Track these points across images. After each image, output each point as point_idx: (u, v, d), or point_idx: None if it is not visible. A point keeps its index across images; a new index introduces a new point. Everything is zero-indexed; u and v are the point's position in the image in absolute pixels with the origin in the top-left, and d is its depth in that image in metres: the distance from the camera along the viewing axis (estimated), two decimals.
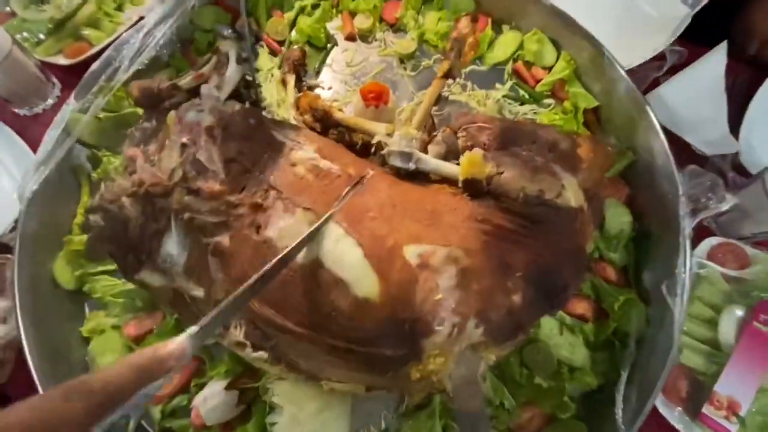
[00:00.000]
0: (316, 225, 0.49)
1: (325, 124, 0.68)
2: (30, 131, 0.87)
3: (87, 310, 0.73)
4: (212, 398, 0.61)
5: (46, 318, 0.68)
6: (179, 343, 0.36)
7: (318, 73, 0.88)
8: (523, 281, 0.51)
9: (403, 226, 0.50)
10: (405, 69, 0.88)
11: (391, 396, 0.66)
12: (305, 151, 0.56)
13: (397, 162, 0.57)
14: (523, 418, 0.63)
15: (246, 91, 0.69)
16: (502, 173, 0.53)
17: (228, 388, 0.62)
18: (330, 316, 0.48)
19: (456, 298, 0.49)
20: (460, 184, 0.55)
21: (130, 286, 0.72)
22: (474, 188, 0.54)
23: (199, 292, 0.54)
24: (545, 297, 0.53)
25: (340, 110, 0.71)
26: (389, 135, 0.59)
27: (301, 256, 0.48)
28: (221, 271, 0.52)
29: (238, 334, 0.52)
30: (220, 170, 0.52)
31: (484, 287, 0.50)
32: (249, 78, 0.69)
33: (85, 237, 0.73)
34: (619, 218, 0.74)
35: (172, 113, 0.57)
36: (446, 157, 0.59)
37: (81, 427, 0.30)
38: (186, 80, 0.64)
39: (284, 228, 0.50)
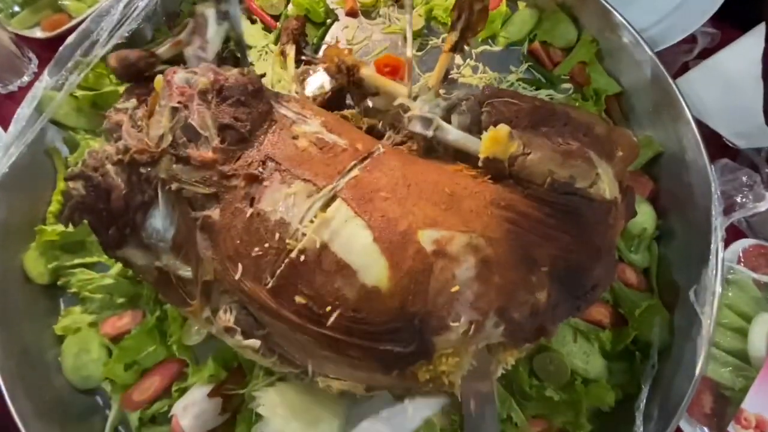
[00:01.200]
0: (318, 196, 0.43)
1: (348, 78, 0.61)
2: (4, 110, 0.81)
3: (62, 305, 0.68)
4: (193, 406, 0.56)
5: (15, 314, 0.62)
6: None
7: (317, 51, 0.80)
8: (548, 278, 0.46)
9: (419, 209, 0.45)
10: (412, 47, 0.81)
11: (388, 404, 0.61)
12: (309, 125, 0.50)
13: (417, 128, 0.51)
14: None
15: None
16: (528, 154, 0.47)
17: (211, 395, 0.57)
18: (333, 305, 0.43)
19: (475, 291, 0.43)
20: (480, 163, 0.49)
21: (109, 280, 0.66)
22: (495, 169, 0.48)
23: (186, 272, 0.50)
24: (571, 297, 0.48)
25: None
26: (413, 98, 0.52)
27: (304, 236, 0.43)
28: (210, 249, 0.47)
29: (227, 318, 0.47)
30: (213, 137, 0.47)
31: (507, 281, 0.44)
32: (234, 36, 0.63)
33: (60, 227, 0.67)
34: (641, 216, 0.67)
35: (160, 76, 0.51)
36: (470, 129, 0.52)
37: None
38: (164, 48, 0.58)
39: (279, 200, 0.45)
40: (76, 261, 0.67)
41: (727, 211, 0.63)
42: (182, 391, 0.60)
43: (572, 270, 0.47)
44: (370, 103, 0.66)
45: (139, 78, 0.60)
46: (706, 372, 0.58)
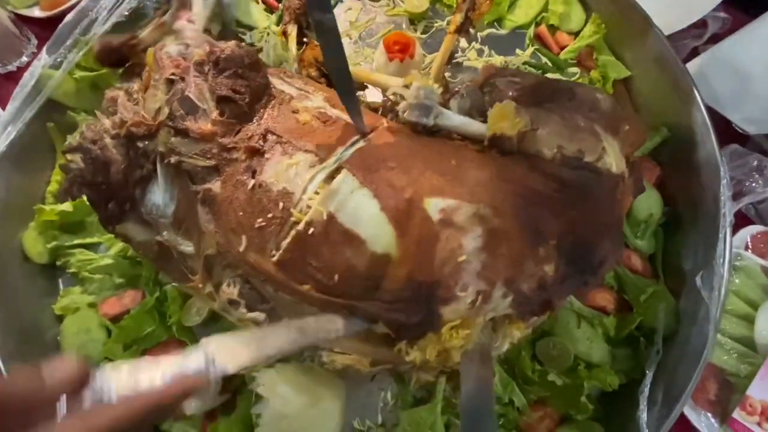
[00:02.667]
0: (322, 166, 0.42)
1: (330, 80, 0.61)
2: (3, 90, 0.80)
3: (61, 286, 0.67)
4: None
5: (15, 294, 0.62)
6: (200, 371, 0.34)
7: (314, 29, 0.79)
8: (556, 251, 0.45)
9: (425, 178, 0.44)
10: (416, 31, 0.80)
11: (389, 387, 0.61)
12: (312, 100, 0.50)
13: (414, 116, 0.50)
14: (533, 418, 0.58)
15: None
16: (536, 129, 0.46)
17: None
18: (343, 276, 0.42)
19: (482, 261, 0.43)
20: (486, 141, 0.48)
21: (109, 260, 0.66)
22: (503, 146, 0.47)
23: (188, 247, 0.49)
24: (578, 272, 0.47)
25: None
26: (406, 87, 0.51)
27: (311, 209, 0.43)
28: (212, 222, 0.46)
29: (231, 291, 0.47)
30: (212, 109, 0.46)
31: (515, 252, 0.43)
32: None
33: (59, 207, 0.66)
34: (647, 201, 0.67)
35: (151, 49, 0.50)
36: (470, 113, 0.51)
37: None
38: (147, 32, 0.56)
39: (281, 170, 0.44)
40: (76, 241, 0.67)
41: (736, 196, 0.62)
42: None
43: (580, 245, 0.46)
44: (364, 98, 0.65)
45: (122, 64, 0.59)
46: (711, 358, 0.58)
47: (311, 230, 0.42)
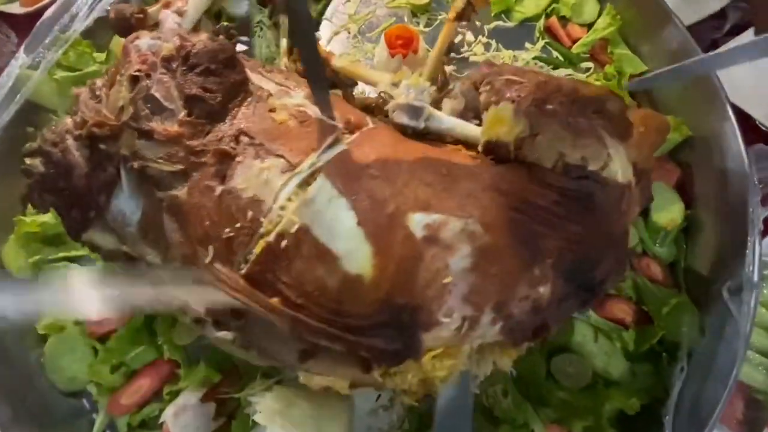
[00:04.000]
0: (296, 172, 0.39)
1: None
2: None
3: None
4: (185, 411, 0.52)
5: None
6: None
7: (317, 26, 0.75)
8: (552, 270, 0.41)
9: (410, 190, 0.40)
10: (418, 24, 0.75)
11: (395, 407, 0.58)
12: (292, 97, 0.46)
13: (403, 118, 0.46)
14: None
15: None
16: (536, 135, 0.42)
17: (204, 399, 0.53)
18: (312, 295, 0.39)
19: (470, 283, 0.39)
20: (480, 148, 0.44)
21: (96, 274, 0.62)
22: (498, 152, 0.43)
23: (155, 258, 0.45)
24: (578, 291, 0.43)
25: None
26: (395, 85, 0.47)
27: (283, 218, 0.39)
28: (178, 231, 0.42)
29: (198, 309, 0.43)
30: (179, 109, 0.42)
31: (506, 273, 0.40)
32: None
33: (41, 217, 0.62)
34: (667, 205, 0.63)
35: (119, 40, 0.46)
36: (464, 115, 0.48)
37: None
38: (155, 8, 0.53)
39: (252, 176, 0.40)
40: (59, 254, 0.63)
41: (764, 201, 0.58)
42: (174, 395, 0.56)
43: (580, 262, 0.43)
44: (355, 93, 0.61)
45: (128, 33, 0.55)
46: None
47: (283, 242, 0.38)
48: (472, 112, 0.48)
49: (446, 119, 0.47)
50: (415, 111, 0.47)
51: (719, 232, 0.59)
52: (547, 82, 0.47)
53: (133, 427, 0.56)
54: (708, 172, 0.62)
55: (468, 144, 0.47)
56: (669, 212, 0.62)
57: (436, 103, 0.50)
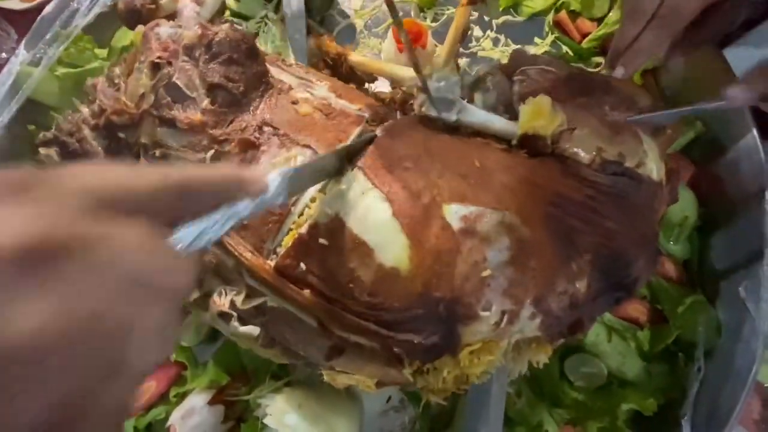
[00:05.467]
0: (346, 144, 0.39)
1: (336, 71, 0.56)
2: None
3: None
4: (193, 414, 0.51)
5: None
6: (264, 176, 0.27)
7: (322, 21, 0.73)
8: (590, 266, 0.41)
9: (444, 181, 0.39)
10: (425, 19, 0.74)
11: (407, 410, 0.57)
12: (315, 90, 0.45)
13: (434, 111, 0.45)
14: None
15: None
16: (574, 129, 0.41)
17: (212, 401, 0.52)
18: (347, 287, 0.38)
19: (509, 276, 0.38)
20: (515, 141, 0.43)
21: None
22: (534, 146, 0.42)
23: None
24: (612, 289, 0.43)
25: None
26: (426, 77, 0.46)
27: (315, 209, 0.39)
28: None
29: (222, 302, 0.42)
30: (201, 97, 0.42)
31: (545, 267, 0.39)
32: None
33: None
34: (682, 203, 0.61)
35: (140, 28, 0.45)
36: (496, 108, 0.47)
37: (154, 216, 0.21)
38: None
39: (278, 165, 0.40)
40: None
41: None
42: (181, 397, 0.55)
43: (615, 259, 0.42)
44: (373, 89, 0.60)
45: (137, 24, 0.56)
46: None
47: (315, 233, 0.38)
48: (503, 104, 0.47)
49: (479, 113, 0.46)
50: (448, 104, 0.45)
51: (735, 229, 0.58)
52: (580, 74, 0.46)
53: (139, 431, 0.55)
54: (723, 168, 0.60)
55: (497, 137, 0.46)
56: (683, 209, 0.61)
57: (467, 98, 0.49)
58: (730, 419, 0.48)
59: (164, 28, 0.45)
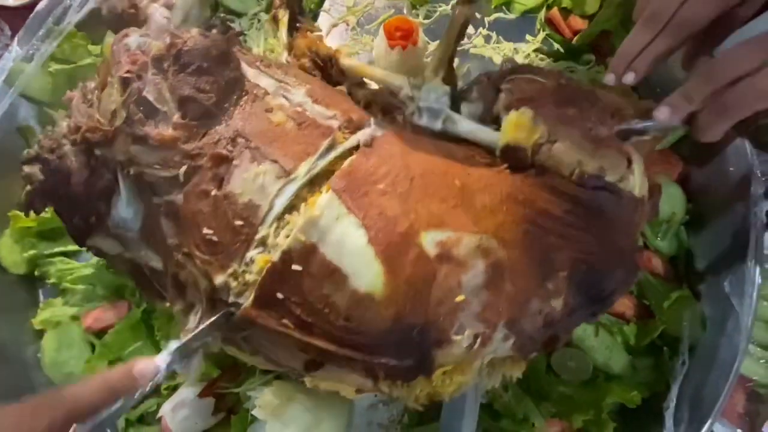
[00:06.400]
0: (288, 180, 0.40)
1: (326, 72, 0.56)
2: None
3: (42, 297, 0.63)
4: (183, 406, 0.52)
5: None
6: (154, 362, 0.35)
7: (315, 18, 0.74)
8: (566, 283, 0.41)
9: (423, 206, 0.39)
10: (417, 16, 0.74)
11: (395, 405, 0.57)
12: (292, 94, 0.45)
13: (422, 120, 0.46)
14: None
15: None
16: (554, 142, 0.41)
17: (203, 394, 0.53)
18: (323, 312, 0.38)
19: (483, 300, 0.39)
20: (498, 153, 0.44)
21: (91, 269, 0.61)
22: (515, 158, 0.43)
23: (157, 263, 0.45)
24: (588, 303, 0.43)
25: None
26: (416, 87, 0.47)
27: (290, 236, 0.38)
28: (176, 237, 0.42)
29: (197, 319, 0.42)
30: (173, 111, 0.41)
31: (520, 289, 0.40)
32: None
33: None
34: (669, 198, 0.62)
35: (109, 40, 0.45)
36: (482, 119, 0.47)
37: None
38: (146, 2, 0.51)
39: (249, 179, 0.40)
40: (55, 249, 0.62)
41: (767, 194, 0.57)
42: (172, 390, 0.55)
43: (592, 274, 0.42)
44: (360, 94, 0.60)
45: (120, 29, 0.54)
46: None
47: (288, 259, 0.38)
48: (489, 114, 0.47)
49: (464, 123, 0.46)
50: (435, 113, 0.46)
51: (721, 225, 0.59)
52: (567, 84, 0.46)
53: (131, 422, 0.56)
54: (710, 165, 0.61)
55: (484, 148, 0.46)
56: (671, 206, 0.62)
57: (453, 108, 0.49)
58: (712, 412, 0.48)
59: (133, 38, 0.44)
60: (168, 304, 0.45)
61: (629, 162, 0.42)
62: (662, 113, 0.41)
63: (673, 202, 0.62)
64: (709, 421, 0.48)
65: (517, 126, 0.42)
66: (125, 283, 0.60)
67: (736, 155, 0.58)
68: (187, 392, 0.53)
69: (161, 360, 0.36)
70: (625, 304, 0.59)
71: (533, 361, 0.47)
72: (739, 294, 0.52)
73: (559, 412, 0.55)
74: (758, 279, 0.52)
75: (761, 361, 0.57)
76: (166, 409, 0.52)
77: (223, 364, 0.56)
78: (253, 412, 0.48)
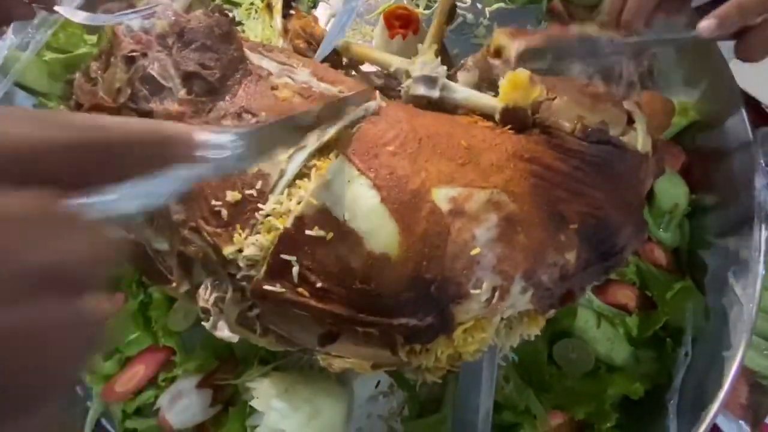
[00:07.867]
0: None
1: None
2: None
3: None
4: (181, 398, 0.51)
5: None
6: (221, 134, 0.24)
7: (314, 6, 0.73)
8: (577, 236, 0.41)
9: (432, 165, 0.39)
10: (417, 6, 0.73)
11: (395, 394, 0.57)
12: (297, 74, 0.45)
13: (419, 89, 0.46)
14: (551, 427, 0.53)
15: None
16: (553, 99, 0.42)
17: (201, 385, 0.52)
18: (338, 277, 0.38)
19: (498, 253, 0.38)
20: (498, 115, 0.44)
21: None
22: (516, 119, 0.43)
23: (162, 245, 0.44)
24: (601, 258, 0.43)
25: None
26: (410, 62, 0.47)
27: (302, 201, 0.38)
28: (182, 212, 0.41)
29: (206, 298, 0.42)
30: (178, 87, 0.41)
31: (534, 241, 0.39)
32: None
33: None
34: (672, 189, 0.61)
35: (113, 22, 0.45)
36: (479, 87, 0.47)
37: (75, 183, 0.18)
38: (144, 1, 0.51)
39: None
40: None
41: None
42: (170, 381, 0.55)
43: (603, 228, 0.42)
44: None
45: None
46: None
47: (301, 226, 0.37)
48: (486, 83, 0.47)
49: (461, 89, 0.47)
50: (431, 81, 0.46)
51: (724, 216, 0.58)
52: (564, 47, 0.46)
53: (128, 414, 0.55)
54: (714, 156, 0.60)
55: (485, 115, 0.46)
56: (674, 197, 0.61)
57: (451, 78, 0.50)
58: (715, 404, 0.48)
59: (136, 20, 0.44)
60: (174, 285, 0.44)
61: (630, 118, 0.43)
62: (707, 26, 0.40)
63: (675, 193, 0.61)
64: (712, 413, 0.48)
65: (514, 86, 0.42)
66: (121, 274, 0.59)
67: (739, 146, 0.57)
68: (185, 383, 0.52)
69: (223, 137, 0.24)
70: (627, 296, 0.58)
71: (550, 318, 0.46)
72: (743, 285, 0.51)
73: (561, 403, 0.54)
74: (762, 270, 0.51)
75: (765, 352, 0.57)
76: (164, 401, 0.51)
77: (222, 355, 0.55)
78: (251, 403, 0.48)
